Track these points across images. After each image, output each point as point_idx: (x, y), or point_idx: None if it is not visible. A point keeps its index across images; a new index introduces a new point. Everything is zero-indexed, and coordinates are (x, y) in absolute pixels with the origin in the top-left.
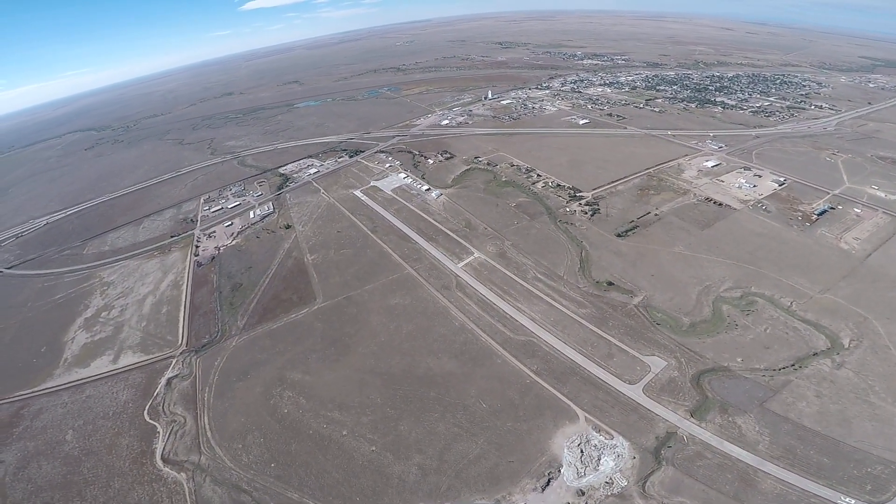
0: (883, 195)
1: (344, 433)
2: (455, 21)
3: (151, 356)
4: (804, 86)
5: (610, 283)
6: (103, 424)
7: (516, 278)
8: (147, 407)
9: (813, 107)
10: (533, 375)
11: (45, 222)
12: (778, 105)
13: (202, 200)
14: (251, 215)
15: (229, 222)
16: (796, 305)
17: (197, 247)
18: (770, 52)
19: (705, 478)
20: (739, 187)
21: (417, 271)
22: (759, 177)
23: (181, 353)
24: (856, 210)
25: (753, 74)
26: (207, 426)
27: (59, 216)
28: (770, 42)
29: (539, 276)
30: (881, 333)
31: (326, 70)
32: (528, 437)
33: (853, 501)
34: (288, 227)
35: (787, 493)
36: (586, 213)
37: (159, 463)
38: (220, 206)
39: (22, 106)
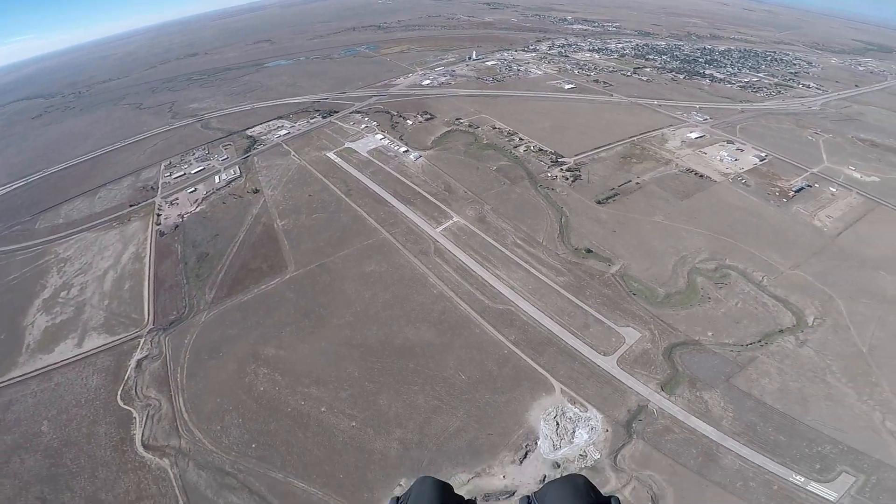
0: (859, 176)
1: (322, 409)
2: None
3: (117, 337)
4: (794, 64)
5: (588, 251)
6: (77, 413)
7: (496, 244)
8: (119, 392)
9: (801, 85)
10: (511, 346)
11: None
12: (766, 81)
13: (163, 167)
14: (216, 180)
15: (193, 188)
16: (767, 280)
17: (158, 215)
18: (764, 29)
19: (672, 452)
20: (721, 160)
21: (394, 236)
22: (742, 151)
23: (148, 332)
24: (831, 189)
25: (745, 49)
26: (183, 408)
27: (5, 190)
28: (766, 19)
29: (518, 241)
30: (843, 313)
31: (301, 28)
32: (505, 409)
33: (802, 479)
34: (256, 191)
35: (744, 468)
36: (567, 179)
37: (140, 449)
38: (182, 172)
39: None
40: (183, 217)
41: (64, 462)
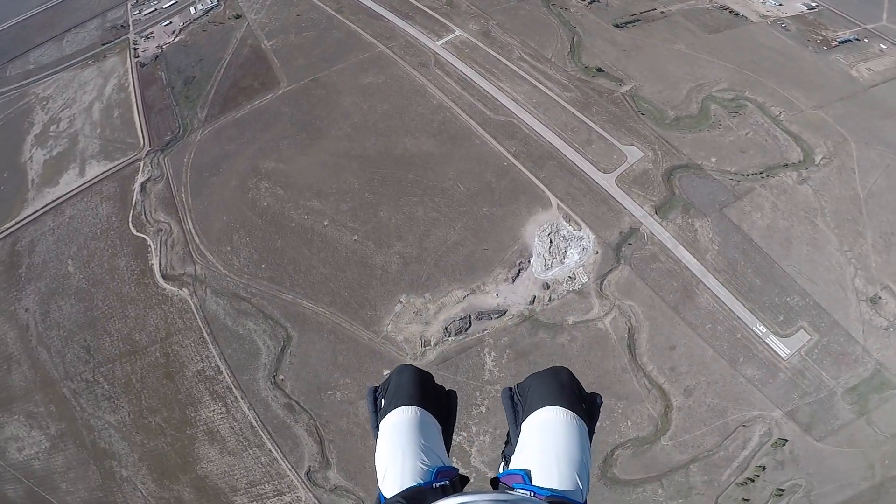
0: None
1: (325, 223)
2: None
3: (117, 162)
4: None
5: (599, 70)
6: (96, 247)
7: (500, 58)
8: (130, 218)
9: None
10: (511, 158)
11: None
12: None
13: (129, 6)
14: (192, 11)
15: (167, 21)
16: (784, 116)
17: (135, 49)
18: None
19: (654, 283)
20: (763, 2)
21: (392, 49)
22: None
23: (147, 154)
24: (882, 46)
25: None
26: (193, 230)
27: None
28: None
29: (525, 56)
30: (853, 156)
31: None
32: (502, 223)
33: (764, 330)
34: (238, 16)
35: (716, 311)
36: (584, 1)
37: (161, 281)
38: (152, 8)
39: None
40: (162, 48)
41: (96, 304)
